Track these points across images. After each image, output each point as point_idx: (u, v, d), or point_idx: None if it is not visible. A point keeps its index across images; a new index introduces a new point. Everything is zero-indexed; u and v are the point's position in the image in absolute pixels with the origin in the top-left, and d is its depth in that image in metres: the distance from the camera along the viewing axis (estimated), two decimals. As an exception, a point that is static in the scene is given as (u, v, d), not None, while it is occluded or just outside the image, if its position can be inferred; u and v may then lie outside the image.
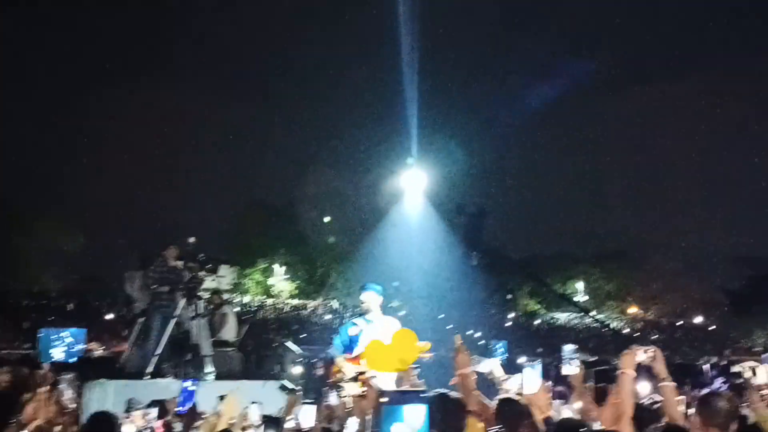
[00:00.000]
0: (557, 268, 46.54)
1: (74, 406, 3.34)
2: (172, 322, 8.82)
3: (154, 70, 38.93)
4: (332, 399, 4.88)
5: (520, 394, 4.29)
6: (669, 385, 3.96)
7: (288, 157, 40.10)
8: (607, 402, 3.53)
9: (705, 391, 6.48)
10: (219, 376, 8.90)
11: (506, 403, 4.10)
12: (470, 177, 37.38)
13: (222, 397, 4.56)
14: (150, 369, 8.59)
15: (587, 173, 47.78)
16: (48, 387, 3.25)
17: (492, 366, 4.84)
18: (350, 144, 38.73)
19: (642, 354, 3.94)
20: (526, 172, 45.66)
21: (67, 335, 12.46)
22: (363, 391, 4.72)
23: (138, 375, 8.54)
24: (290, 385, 6.02)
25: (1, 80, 32.87)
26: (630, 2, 48.19)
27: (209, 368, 8.88)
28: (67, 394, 3.27)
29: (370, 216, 35.07)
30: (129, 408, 6.07)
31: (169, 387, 7.89)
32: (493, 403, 4.24)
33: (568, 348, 4.38)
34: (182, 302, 8.90)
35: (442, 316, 28.66)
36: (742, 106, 45.52)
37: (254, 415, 4.38)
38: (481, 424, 3.87)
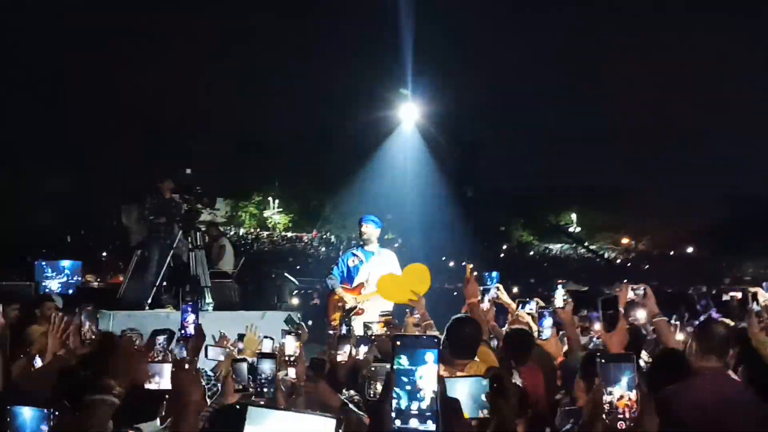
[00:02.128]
0: (551, 200, 46.73)
1: (93, 337, 3.34)
2: (170, 253, 8.83)
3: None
4: (344, 330, 4.98)
5: (529, 325, 4.38)
6: (662, 320, 4.08)
7: (280, 88, 39.36)
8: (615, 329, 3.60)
9: (700, 318, 6.61)
10: (218, 307, 8.98)
11: (516, 333, 4.17)
12: (465, 109, 37.04)
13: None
14: (149, 300, 8.65)
15: (583, 108, 47.41)
16: (61, 318, 3.25)
17: (498, 293, 4.95)
18: (343, 75, 38.14)
19: (632, 292, 4.09)
20: (521, 105, 45.22)
21: (65, 266, 12.49)
22: (386, 332, 4.80)
23: (137, 306, 8.60)
24: (296, 319, 6.06)
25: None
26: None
27: (208, 299, 8.95)
28: (87, 325, 3.27)
29: (364, 148, 34.85)
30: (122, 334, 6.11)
31: (169, 317, 7.98)
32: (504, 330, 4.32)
33: (560, 291, 4.51)
34: (179, 234, 8.89)
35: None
36: (736, 41, 44.87)
37: (267, 347, 4.41)
38: (491, 353, 3.95)
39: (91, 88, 34.43)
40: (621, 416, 1.99)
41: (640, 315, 4.33)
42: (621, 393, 2.00)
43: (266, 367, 3.26)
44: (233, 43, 40.20)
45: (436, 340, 1.64)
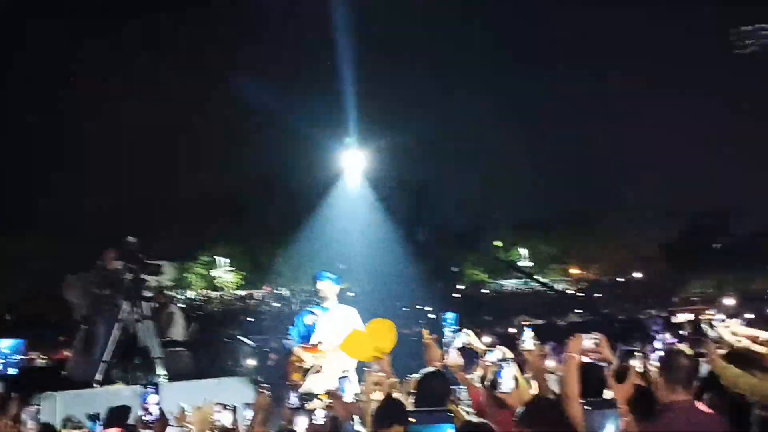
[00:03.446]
0: (500, 236, 47.34)
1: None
2: (118, 326, 8.50)
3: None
4: (293, 399, 4.73)
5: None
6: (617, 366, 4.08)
7: (219, 141, 38.95)
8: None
9: (657, 346, 6.63)
10: (171, 378, 8.64)
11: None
12: (410, 153, 37.43)
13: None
14: (99, 377, 8.27)
15: (525, 141, 48.47)
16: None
17: (469, 338, 4.87)
18: (287, 125, 38.12)
19: (588, 341, 4.09)
20: (465, 144, 46.00)
21: (5, 346, 11.97)
22: (329, 404, 4.63)
23: (86, 384, 8.22)
24: (260, 383, 5.83)
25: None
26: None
27: (160, 370, 8.62)
28: (30, 425, 3.01)
29: (311, 199, 34.73)
30: (65, 425, 5.68)
31: (120, 393, 7.63)
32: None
33: (529, 333, 4.46)
34: (126, 305, 8.58)
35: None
36: (670, 67, 46.80)
37: (227, 421, 4.12)
38: (459, 409, 3.87)
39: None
40: None
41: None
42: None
43: None
44: (165, 94, 39.64)
45: (450, 415, 1.59)
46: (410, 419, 1.61)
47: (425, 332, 4.44)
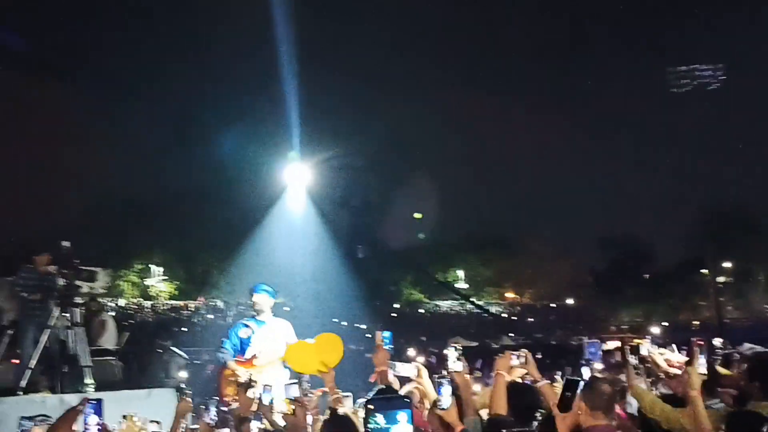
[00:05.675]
0: (438, 257, 47.76)
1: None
2: (46, 332, 8.27)
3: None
4: (213, 414, 4.64)
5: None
6: (544, 383, 4.20)
7: (164, 151, 38.27)
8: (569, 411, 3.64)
9: (584, 372, 6.86)
10: (100, 387, 8.44)
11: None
12: (353, 170, 37.55)
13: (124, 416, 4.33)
14: (23, 383, 8.02)
15: (464, 165, 49.28)
16: None
17: (414, 369, 4.87)
18: (230, 138, 37.79)
19: (515, 359, 4.22)
20: (406, 164, 46.43)
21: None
22: (292, 410, 4.60)
23: (10, 391, 7.96)
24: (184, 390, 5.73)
25: None
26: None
27: (88, 379, 8.41)
28: None
29: (252, 212, 34.41)
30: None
31: (45, 402, 7.43)
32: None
33: (453, 352, 4.49)
34: (56, 311, 8.35)
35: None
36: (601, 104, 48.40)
37: None
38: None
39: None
40: None
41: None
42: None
43: None
44: (112, 103, 38.93)
45: (408, 401, 1.75)
46: (369, 406, 1.76)
47: (378, 333, 4.42)
